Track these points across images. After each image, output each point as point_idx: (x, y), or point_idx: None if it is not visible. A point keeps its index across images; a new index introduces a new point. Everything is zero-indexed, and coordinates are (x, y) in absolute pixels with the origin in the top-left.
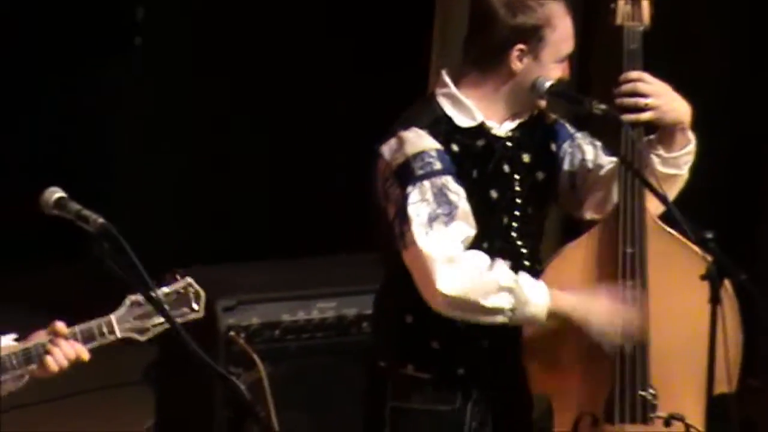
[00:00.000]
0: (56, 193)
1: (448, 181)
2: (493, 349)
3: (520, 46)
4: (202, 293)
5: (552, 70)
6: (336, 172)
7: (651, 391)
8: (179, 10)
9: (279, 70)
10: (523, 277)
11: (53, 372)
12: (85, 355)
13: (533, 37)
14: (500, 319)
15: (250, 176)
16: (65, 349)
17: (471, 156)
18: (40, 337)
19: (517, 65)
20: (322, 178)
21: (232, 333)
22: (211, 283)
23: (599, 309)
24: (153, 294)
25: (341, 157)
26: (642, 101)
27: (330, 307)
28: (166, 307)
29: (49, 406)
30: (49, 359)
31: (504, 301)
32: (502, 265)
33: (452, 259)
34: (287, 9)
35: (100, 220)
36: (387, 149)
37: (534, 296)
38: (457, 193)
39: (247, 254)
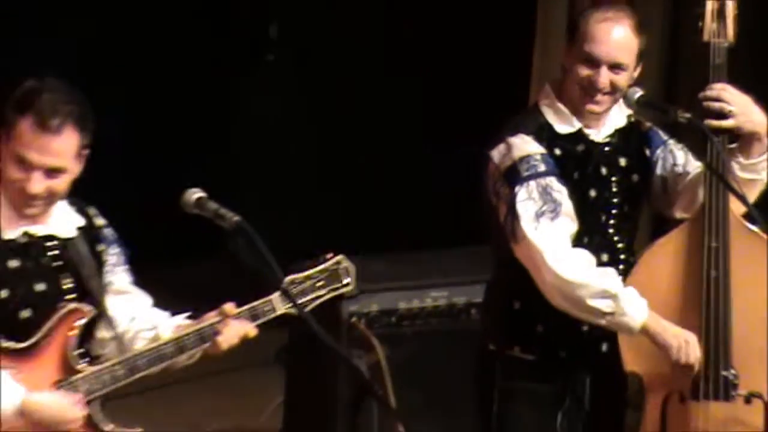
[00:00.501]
0: (196, 193)
1: (552, 181)
2: (592, 334)
3: None
4: (353, 268)
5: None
6: (448, 173)
7: (732, 371)
8: (311, 28)
9: (396, 81)
10: (630, 290)
11: (224, 349)
12: (253, 332)
13: None
14: (597, 319)
15: (370, 176)
16: (235, 327)
17: (572, 159)
18: (210, 318)
19: None
20: (436, 179)
21: (353, 319)
22: None
23: (680, 341)
24: (282, 284)
25: (454, 160)
26: (726, 107)
27: (442, 296)
28: (319, 284)
29: (189, 385)
30: (220, 338)
31: (605, 306)
32: (613, 273)
33: (560, 252)
34: (401, 26)
35: (236, 217)
36: (496, 153)
37: (633, 310)
38: (561, 192)
39: (368, 247)
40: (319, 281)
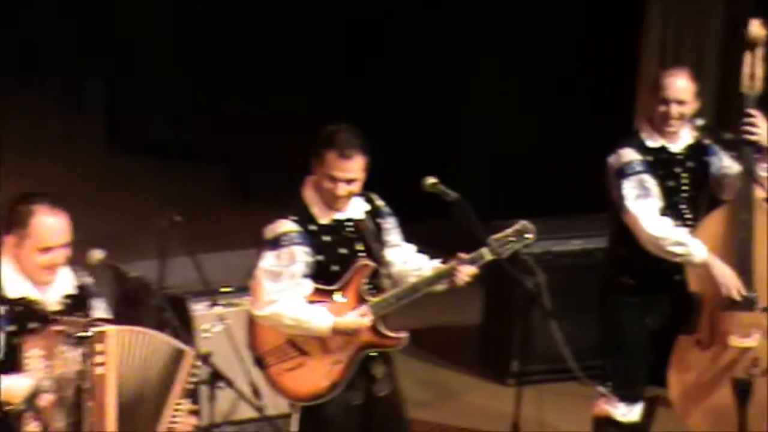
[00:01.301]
0: (431, 179)
1: (645, 177)
2: (670, 269)
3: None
4: (533, 228)
5: None
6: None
7: (754, 293)
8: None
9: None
10: (695, 240)
11: (459, 283)
12: (475, 272)
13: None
14: (674, 258)
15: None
16: (466, 268)
17: (658, 163)
18: (451, 262)
19: None
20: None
21: (525, 257)
22: None
23: (724, 272)
24: (488, 240)
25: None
26: (754, 130)
27: (580, 243)
28: (511, 238)
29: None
30: (457, 275)
31: (680, 250)
32: (684, 231)
33: (651, 218)
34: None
35: (455, 195)
36: (612, 160)
37: (697, 252)
38: (650, 183)
39: (538, 210)
40: (511, 236)
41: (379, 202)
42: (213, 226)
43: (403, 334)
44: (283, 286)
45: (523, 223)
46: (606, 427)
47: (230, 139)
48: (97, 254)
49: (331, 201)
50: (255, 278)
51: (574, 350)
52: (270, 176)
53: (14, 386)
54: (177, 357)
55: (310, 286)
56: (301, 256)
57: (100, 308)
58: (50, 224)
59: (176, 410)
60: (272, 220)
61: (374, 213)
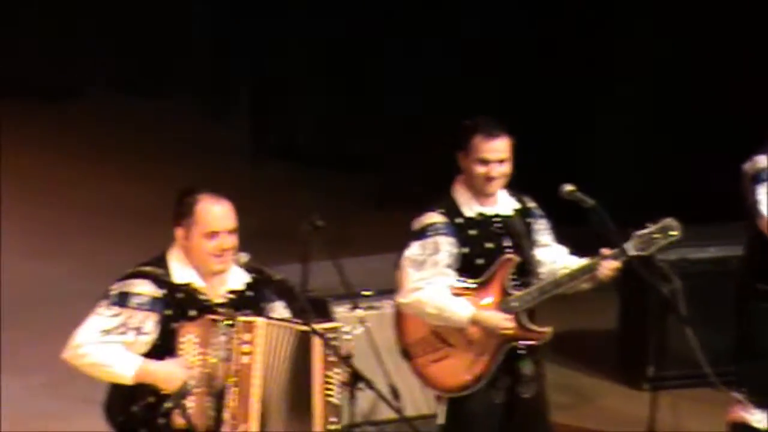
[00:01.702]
0: (569, 186)
1: None
2: None
3: None
4: (675, 223)
5: None
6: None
7: None
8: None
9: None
10: None
11: (602, 278)
12: (618, 266)
13: None
14: None
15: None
16: (609, 263)
17: None
18: (594, 258)
19: None
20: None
21: (661, 264)
22: None
23: None
24: (630, 237)
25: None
26: None
27: (715, 250)
28: (655, 236)
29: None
30: (599, 272)
31: None
32: None
33: None
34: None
35: (592, 202)
36: (747, 166)
37: None
38: None
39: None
40: (656, 233)
41: (531, 204)
42: (354, 231)
43: (547, 329)
44: (426, 274)
45: (668, 220)
46: None
47: (372, 145)
48: (242, 257)
49: (485, 186)
50: (400, 267)
51: (709, 356)
52: (410, 182)
53: (168, 374)
54: (309, 338)
55: (453, 276)
56: (446, 246)
57: (276, 310)
58: (214, 210)
59: (328, 384)
60: (411, 225)
61: (524, 212)
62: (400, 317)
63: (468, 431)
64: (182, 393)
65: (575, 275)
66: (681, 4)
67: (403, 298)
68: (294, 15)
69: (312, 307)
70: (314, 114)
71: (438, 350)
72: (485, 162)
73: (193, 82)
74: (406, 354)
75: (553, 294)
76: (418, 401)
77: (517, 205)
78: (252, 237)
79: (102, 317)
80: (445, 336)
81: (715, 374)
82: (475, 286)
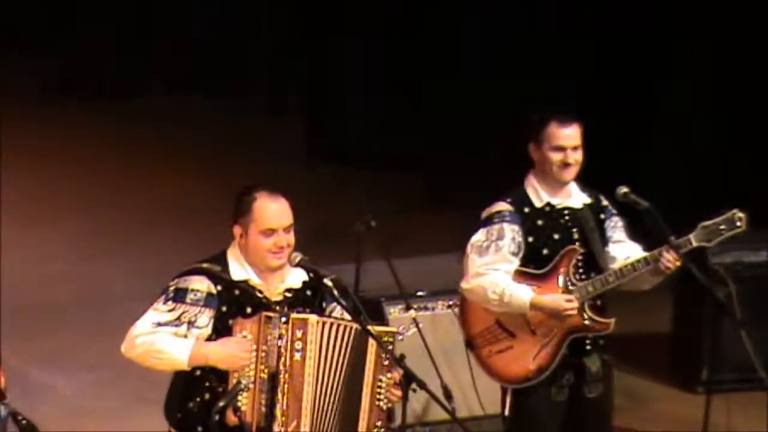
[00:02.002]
0: (623, 188)
1: None
2: None
3: None
4: (741, 215)
5: None
6: None
7: None
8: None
9: None
10: None
11: (663, 270)
12: (679, 259)
13: None
14: None
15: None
16: (672, 255)
17: None
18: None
19: None
20: None
21: (716, 267)
22: None
23: None
24: (698, 226)
25: None
26: None
27: (765, 255)
28: (721, 227)
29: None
30: (661, 263)
31: None
32: None
33: None
34: None
35: (646, 204)
36: None
37: None
38: None
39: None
40: (721, 224)
41: (605, 201)
42: (407, 232)
43: (610, 319)
44: (490, 259)
45: (733, 212)
46: None
47: (426, 146)
48: (295, 257)
49: (561, 174)
50: (465, 254)
51: (764, 360)
52: (465, 184)
53: (225, 354)
54: (364, 340)
55: (516, 263)
56: (509, 233)
57: (336, 311)
58: (271, 207)
59: (378, 387)
60: (465, 227)
61: (597, 208)
62: (465, 307)
63: (530, 427)
64: (236, 390)
65: (637, 266)
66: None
67: (465, 284)
68: (347, 17)
69: (364, 308)
70: (367, 115)
71: (501, 340)
72: (561, 149)
73: (251, 82)
74: (471, 344)
75: (615, 285)
76: (470, 402)
77: (589, 200)
78: (305, 237)
79: (158, 311)
80: (508, 326)
81: None
82: (538, 273)
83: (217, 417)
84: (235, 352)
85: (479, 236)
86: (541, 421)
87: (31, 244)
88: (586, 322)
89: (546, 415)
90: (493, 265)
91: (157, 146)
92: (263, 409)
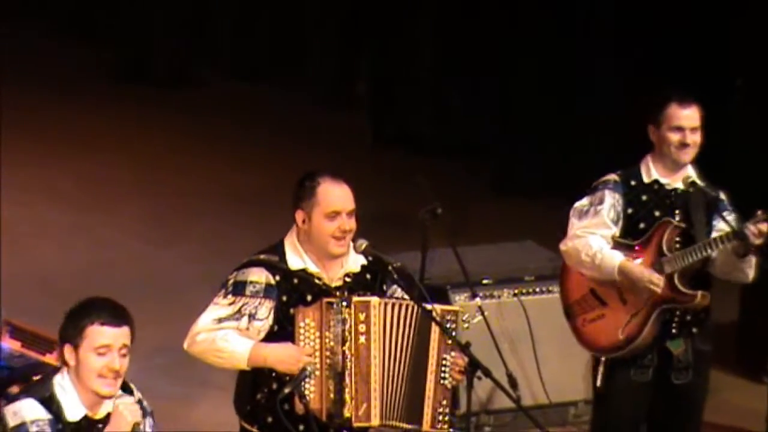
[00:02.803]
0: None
1: None
2: None
3: None
4: None
5: None
6: None
7: None
8: None
9: None
10: None
11: (754, 243)
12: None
13: None
14: None
15: None
16: (760, 227)
17: None
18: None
19: None
20: None
21: None
22: None
23: None
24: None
25: None
26: None
27: None
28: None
29: None
30: (749, 236)
31: None
32: None
33: None
34: None
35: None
36: None
37: None
38: None
39: None
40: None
41: (723, 196)
42: (473, 220)
43: (699, 292)
44: (588, 222)
45: None
46: None
47: (490, 134)
48: (361, 244)
49: (679, 154)
50: (569, 217)
51: None
52: (530, 172)
53: (282, 356)
54: (428, 320)
55: (614, 229)
56: (610, 199)
57: (397, 293)
58: (335, 191)
59: (443, 366)
60: (531, 216)
61: (712, 198)
62: (564, 276)
63: (616, 402)
64: (301, 377)
65: (725, 238)
66: None
67: (563, 245)
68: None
69: (430, 295)
70: (432, 102)
71: (594, 309)
72: (680, 129)
73: (315, 69)
74: (567, 313)
75: (705, 257)
76: (535, 391)
77: (700, 183)
78: (371, 224)
79: (218, 306)
80: (601, 294)
81: None
82: (632, 244)
83: (286, 407)
84: (293, 354)
85: (582, 201)
86: (627, 399)
87: (92, 230)
88: (675, 294)
89: (630, 394)
90: (591, 229)
91: (219, 134)
92: (332, 395)
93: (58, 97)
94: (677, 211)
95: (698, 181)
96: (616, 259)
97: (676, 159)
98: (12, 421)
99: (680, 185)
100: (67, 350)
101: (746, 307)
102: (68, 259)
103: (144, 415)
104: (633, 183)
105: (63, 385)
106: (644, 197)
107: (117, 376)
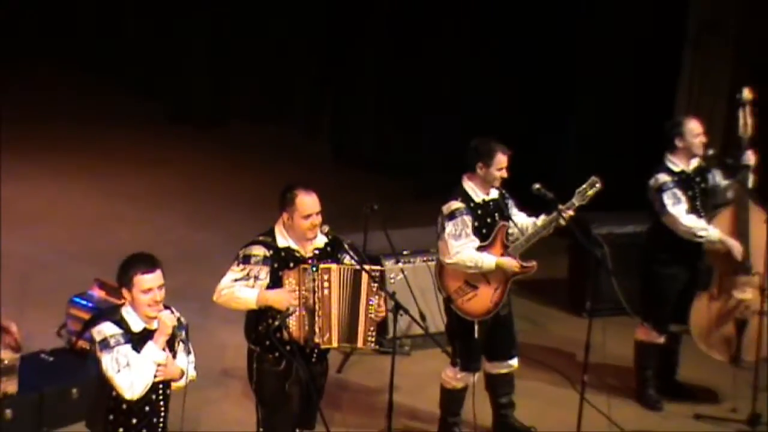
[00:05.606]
0: (536, 185)
1: (677, 191)
2: (696, 247)
3: None
4: (596, 179)
5: None
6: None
7: (749, 262)
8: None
9: None
10: (710, 227)
11: (565, 224)
12: (572, 215)
13: None
14: (697, 239)
15: None
16: (567, 214)
17: (684, 182)
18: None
19: None
20: None
21: (596, 234)
22: None
23: (734, 244)
24: (576, 192)
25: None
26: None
27: (631, 228)
28: (588, 188)
29: None
30: (563, 218)
31: (702, 232)
32: (703, 221)
33: (683, 215)
34: None
35: (551, 195)
36: (652, 183)
37: (713, 233)
38: (681, 194)
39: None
40: (587, 188)
41: (503, 192)
42: (399, 213)
43: (533, 263)
44: (462, 242)
45: (593, 178)
46: None
47: (413, 157)
48: (325, 228)
49: (497, 181)
50: (443, 240)
51: (626, 296)
52: (443, 182)
53: (278, 298)
54: (360, 276)
55: (477, 241)
56: (468, 221)
57: (346, 260)
58: (308, 199)
59: (370, 305)
60: (435, 214)
61: (503, 197)
62: (442, 275)
63: (467, 330)
64: (286, 315)
65: (547, 225)
66: None
67: (449, 260)
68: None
69: (369, 261)
70: (375, 133)
71: (468, 293)
72: (503, 169)
73: (293, 111)
74: (449, 300)
75: (535, 240)
76: (437, 323)
77: (497, 195)
78: (332, 217)
79: (233, 272)
80: (472, 282)
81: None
82: (485, 244)
83: (278, 335)
84: (285, 296)
85: (450, 228)
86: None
87: (154, 220)
88: (521, 269)
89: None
90: (466, 244)
91: (238, 158)
92: (306, 327)
93: (125, 135)
94: (496, 216)
95: (496, 192)
96: (492, 260)
97: (492, 183)
98: (98, 337)
99: (496, 196)
100: (125, 292)
101: (572, 266)
102: (138, 239)
103: (179, 327)
104: (472, 204)
105: (128, 311)
106: (479, 212)
107: (158, 303)
